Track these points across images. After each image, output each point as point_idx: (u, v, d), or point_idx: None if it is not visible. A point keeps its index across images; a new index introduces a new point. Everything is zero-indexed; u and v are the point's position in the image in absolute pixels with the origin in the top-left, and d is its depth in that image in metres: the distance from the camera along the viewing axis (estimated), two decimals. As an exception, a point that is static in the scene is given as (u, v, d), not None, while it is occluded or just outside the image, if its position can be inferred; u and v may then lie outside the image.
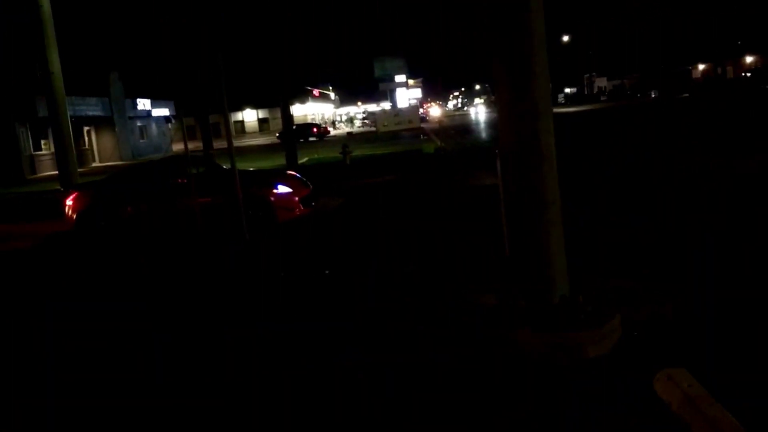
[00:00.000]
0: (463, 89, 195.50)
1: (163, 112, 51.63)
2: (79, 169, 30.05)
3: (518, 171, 4.52)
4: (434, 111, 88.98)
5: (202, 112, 28.85)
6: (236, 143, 57.54)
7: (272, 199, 10.85)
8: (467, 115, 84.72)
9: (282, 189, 11.02)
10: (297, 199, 11.06)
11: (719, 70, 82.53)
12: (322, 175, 17.89)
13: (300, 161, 25.86)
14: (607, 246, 7.14)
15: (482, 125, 42.18)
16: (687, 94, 57.78)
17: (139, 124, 48.83)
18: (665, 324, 4.65)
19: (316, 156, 29.59)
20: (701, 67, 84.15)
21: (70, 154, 23.62)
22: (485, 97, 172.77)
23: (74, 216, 11.39)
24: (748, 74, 68.16)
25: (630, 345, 4.35)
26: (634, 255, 6.74)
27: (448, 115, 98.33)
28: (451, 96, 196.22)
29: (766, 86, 54.42)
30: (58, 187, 23.87)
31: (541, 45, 4.41)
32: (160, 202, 11.11)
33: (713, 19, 72.13)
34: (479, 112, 51.62)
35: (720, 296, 5.13)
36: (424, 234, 9.03)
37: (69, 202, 11.56)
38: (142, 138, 49.71)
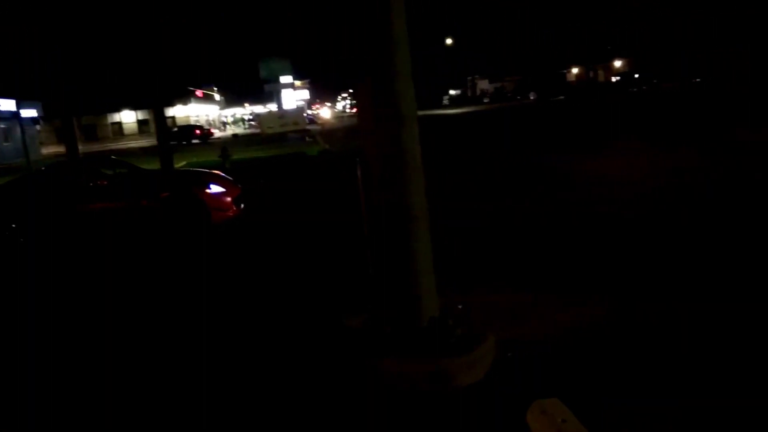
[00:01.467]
0: (351, 90, 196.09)
1: (31, 113, 48.00)
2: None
3: (381, 182, 4.10)
4: (324, 112, 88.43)
5: (70, 113, 26.71)
6: (114, 146, 54.70)
7: (206, 199, 10.26)
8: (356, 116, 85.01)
9: (215, 189, 10.49)
10: (230, 199, 10.56)
11: (591, 73, 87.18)
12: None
13: (178, 165, 24.57)
14: (484, 258, 6.91)
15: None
16: (562, 97, 60.42)
17: (1, 126, 45.15)
18: (545, 342, 4.38)
19: (195, 159, 28.27)
20: (575, 70, 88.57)
21: None
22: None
23: None
24: (618, 78, 72.22)
25: (506, 369, 4.03)
26: (514, 266, 6.53)
27: (337, 116, 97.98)
28: (340, 97, 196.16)
29: (633, 89, 57.93)
30: None
31: (402, 39, 4.01)
32: (79, 206, 10.07)
33: (586, 25, 76.11)
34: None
35: (603, 309, 4.95)
36: (294, 246, 8.52)
37: None
38: (6, 141, 46.00)
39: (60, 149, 57.88)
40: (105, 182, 10.48)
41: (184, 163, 26.46)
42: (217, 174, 11.89)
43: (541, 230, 7.96)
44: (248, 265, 7.83)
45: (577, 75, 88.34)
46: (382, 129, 4.02)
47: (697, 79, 57.58)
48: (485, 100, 78.32)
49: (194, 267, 8.06)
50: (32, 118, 48.21)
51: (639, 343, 4.32)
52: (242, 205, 10.99)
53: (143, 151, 42.01)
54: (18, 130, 48.19)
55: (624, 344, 4.32)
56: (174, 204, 10.20)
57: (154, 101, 24.80)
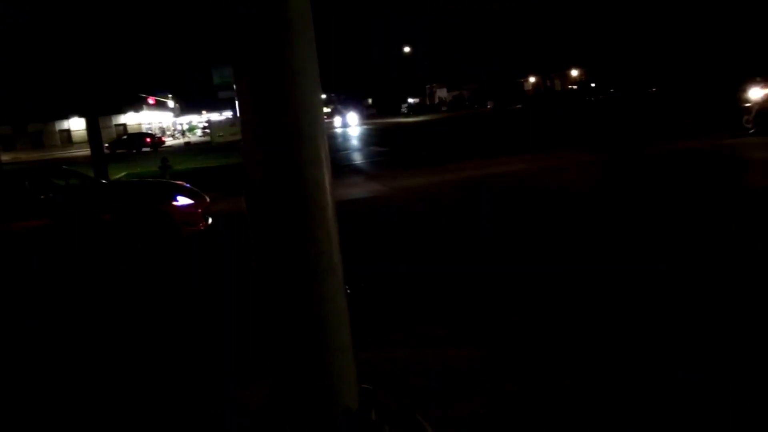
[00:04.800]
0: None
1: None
2: None
3: (272, 224, 2.98)
4: None
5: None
6: (62, 153, 52.54)
7: (173, 212, 9.55)
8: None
9: (183, 201, 9.79)
10: (199, 211, 9.89)
11: (548, 82, 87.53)
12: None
13: (116, 176, 23.04)
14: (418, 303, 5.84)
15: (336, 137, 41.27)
16: (519, 105, 60.14)
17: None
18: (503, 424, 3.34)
19: (139, 170, 26.63)
20: (532, 79, 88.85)
21: None
22: (332, 106, 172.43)
23: None
24: (575, 87, 72.50)
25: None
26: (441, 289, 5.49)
27: None
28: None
29: (590, 98, 57.94)
30: None
31: (302, 18, 2.89)
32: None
33: (542, 34, 76.37)
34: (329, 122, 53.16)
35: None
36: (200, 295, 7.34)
37: None
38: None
39: (4, 157, 55.17)
40: (52, 194, 9.50)
41: (123, 173, 24.89)
42: (182, 185, 10.92)
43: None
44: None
45: (534, 84, 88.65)
46: (274, 151, 2.89)
47: (653, 89, 57.90)
48: (443, 108, 77.72)
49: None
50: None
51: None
52: (210, 218, 10.08)
53: (88, 160, 40.06)
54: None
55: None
56: (137, 218, 9.33)
57: (91, 109, 23.33)
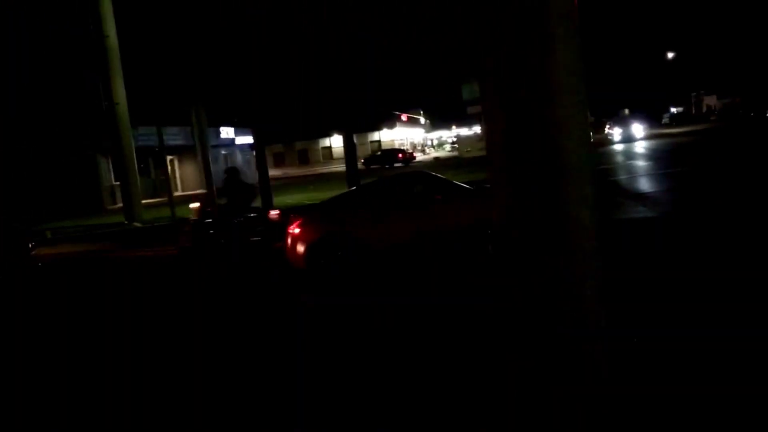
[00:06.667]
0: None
1: (247, 139, 51.62)
2: (159, 199, 29.77)
3: (524, 266, 2.42)
4: None
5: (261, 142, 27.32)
6: (323, 169, 57.26)
7: None
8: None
9: None
10: None
11: None
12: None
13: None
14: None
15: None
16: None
17: (223, 152, 48.91)
18: None
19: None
20: (825, 82, 76.63)
21: (133, 186, 23.04)
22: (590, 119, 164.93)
23: (303, 251, 9.28)
24: None
25: None
26: None
27: None
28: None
29: None
30: (124, 221, 23.33)
31: (569, 35, 2.31)
32: (413, 224, 9.29)
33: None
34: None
35: None
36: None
37: (294, 230, 9.49)
38: (227, 165, 49.79)
39: (275, 172, 61.93)
40: (438, 197, 9.65)
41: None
42: None
43: None
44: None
45: (826, 87, 76.36)
46: (524, 188, 2.33)
47: None
48: (712, 118, 70.43)
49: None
50: (249, 144, 51.76)
51: None
52: None
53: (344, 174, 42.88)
54: (237, 155, 52.18)
55: None
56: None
57: (351, 127, 24.81)
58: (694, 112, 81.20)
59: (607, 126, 50.53)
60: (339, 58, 24.18)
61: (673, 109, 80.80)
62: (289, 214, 10.83)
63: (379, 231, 9.20)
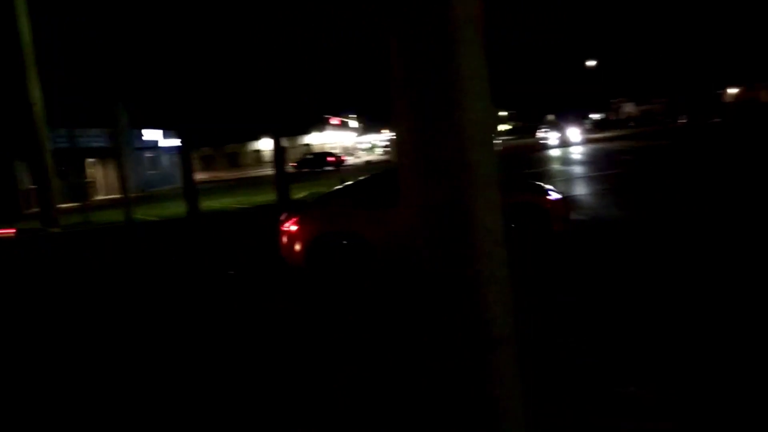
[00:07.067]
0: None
1: (175, 142, 50.45)
2: (81, 203, 28.67)
3: (430, 281, 2.44)
4: None
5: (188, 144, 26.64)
6: (253, 173, 56.48)
7: (548, 207, 9.55)
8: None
9: (555, 196, 9.77)
10: (565, 210, 9.91)
11: (752, 93, 79.34)
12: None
13: (299, 195, 23.93)
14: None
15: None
16: (718, 119, 54.89)
17: (148, 155, 47.60)
18: None
19: (322, 189, 27.43)
20: (733, 90, 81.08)
21: (50, 190, 22.08)
22: (513, 123, 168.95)
23: (301, 248, 9.15)
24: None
25: None
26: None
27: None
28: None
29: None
30: (40, 226, 22.37)
31: (471, 34, 2.34)
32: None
33: (745, 40, 69.55)
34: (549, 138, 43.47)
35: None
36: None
37: (290, 227, 9.32)
38: (153, 169, 48.41)
39: (204, 176, 60.72)
40: None
41: (306, 193, 25.78)
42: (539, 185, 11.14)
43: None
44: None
45: (735, 95, 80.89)
46: (431, 190, 2.35)
47: None
48: (631, 124, 73.22)
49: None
50: (177, 147, 50.58)
51: None
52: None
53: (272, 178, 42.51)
54: (162, 159, 50.87)
55: None
56: (523, 209, 9.38)
57: (280, 130, 24.53)
58: (613, 118, 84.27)
59: (541, 131, 50.74)
60: (269, 60, 23.95)
61: (594, 116, 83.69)
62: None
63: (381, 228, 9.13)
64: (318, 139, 78.69)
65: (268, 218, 17.56)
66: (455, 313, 2.38)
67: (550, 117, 51.98)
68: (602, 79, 78.96)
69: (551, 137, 45.67)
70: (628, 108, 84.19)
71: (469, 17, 2.27)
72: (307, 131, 75.70)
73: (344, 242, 9.15)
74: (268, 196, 23.80)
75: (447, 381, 2.38)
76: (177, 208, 23.54)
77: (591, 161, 27.09)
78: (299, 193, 24.90)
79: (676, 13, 67.93)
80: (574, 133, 45.52)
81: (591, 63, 76.88)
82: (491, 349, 2.36)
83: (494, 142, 2.43)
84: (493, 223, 2.40)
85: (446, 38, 2.22)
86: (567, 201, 9.83)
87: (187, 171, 19.88)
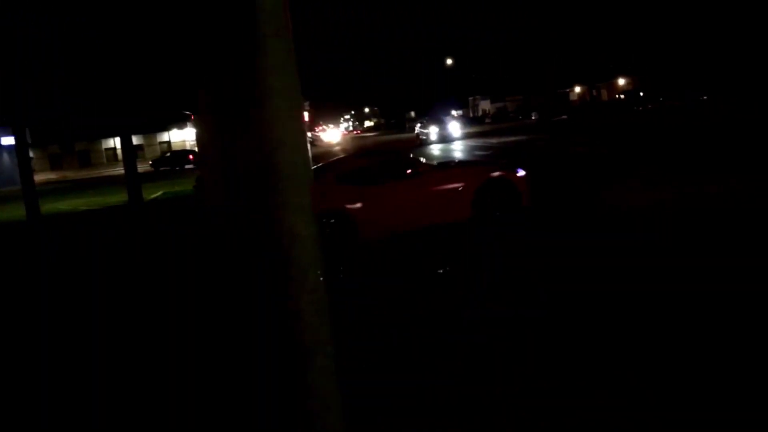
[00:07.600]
0: (353, 112, 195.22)
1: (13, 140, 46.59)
2: None
3: (235, 286, 2.30)
4: (331, 134, 78.31)
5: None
6: (107, 172, 53.19)
7: (517, 181, 10.01)
8: (367, 137, 78.81)
9: (521, 172, 10.19)
10: (529, 186, 10.27)
11: (594, 92, 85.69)
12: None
13: (153, 195, 22.84)
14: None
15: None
16: (565, 116, 58.69)
17: (-17, 153, 43.70)
18: None
19: (176, 188, 26.29)
20: (578, 89, 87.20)
21: None
22: (375, 120, 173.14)
23: None
24: (622, 96, 70.70)
25: None
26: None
27: (344, 137, 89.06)
28: (342, 119, 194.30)
29: (638, 107, 56.23)
30: None
31: (280, 33, 2.22)
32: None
33: (588, 43, 74.85)
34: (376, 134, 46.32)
35: None
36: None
37: None
38: (-7, 169, 44.57)
39: (52, 176, 56.52)
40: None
41: (159, 193, 24.66)
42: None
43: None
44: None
45: (579, 94, 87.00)
46: (235, 194, 2.21)
47: (704, 97, 55.87)
48: (487, 120, 76.68)
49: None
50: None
51: None
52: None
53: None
54: (5, 157, 46.84)
55: None
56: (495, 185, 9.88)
57: (131, 127, 23.24)
58: (471, 114, 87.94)
59: (418, 126, 48.66)
60: (115, 50, 22.54)
61: (454, 112, 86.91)
62: None
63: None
64: (178, 137, 75.85)
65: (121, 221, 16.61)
66: (264, 320, 2.27)
67: (411, 114, 52.74)
68: (460, 77, 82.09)
69: (432, 132, 43.89)
70: (484, 105, 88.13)
71: (274, 11, 2.17)
72: (166, 128, 72.70)
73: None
74: (120, 197, 22.52)
75: (257, 394, 2.26)
76: (16, 211, 21.74)
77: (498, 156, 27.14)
78: (153, 193, 23.81)
79: (530, 14, 71.84)
80: (454, 127, 44.77)
81: (449, 61, 79.65)
82: (304, 358, 2.26)
83: (306, 144, 2.32)
84: (302, 229, 2.30)
85: (252, 32, 2.10)
86: (529, 177, 10.36)
87: (25, 170, 18.37)
